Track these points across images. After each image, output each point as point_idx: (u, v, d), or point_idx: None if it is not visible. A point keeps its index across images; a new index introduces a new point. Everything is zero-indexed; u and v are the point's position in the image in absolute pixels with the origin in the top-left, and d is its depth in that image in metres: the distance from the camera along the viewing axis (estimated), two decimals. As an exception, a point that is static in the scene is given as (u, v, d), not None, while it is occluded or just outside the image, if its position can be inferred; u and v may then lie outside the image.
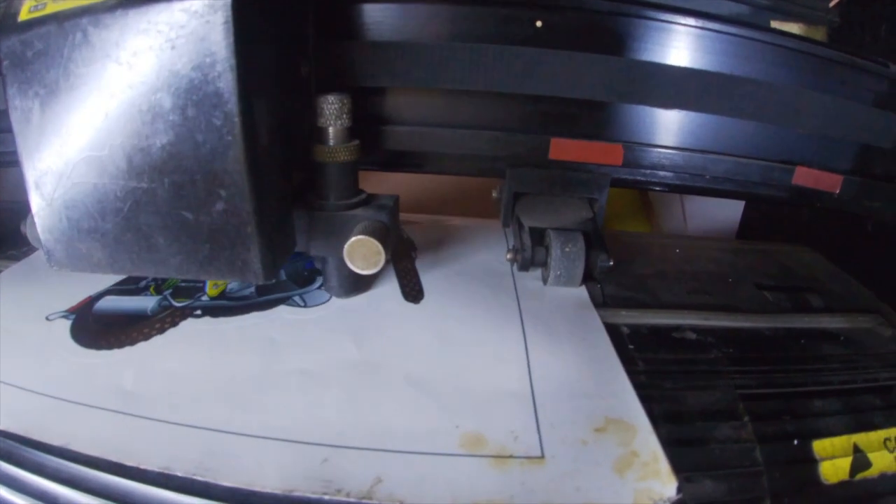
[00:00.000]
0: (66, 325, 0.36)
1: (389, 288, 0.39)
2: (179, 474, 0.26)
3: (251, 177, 0.27)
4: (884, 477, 0.32)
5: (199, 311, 0.37)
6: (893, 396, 0.35)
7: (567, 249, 0.36)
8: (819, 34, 0.47)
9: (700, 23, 0.36)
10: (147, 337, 0.35)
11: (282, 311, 0.37)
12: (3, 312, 0.37)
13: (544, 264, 0.38)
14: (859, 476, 0.31)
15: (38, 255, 0.46)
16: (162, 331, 0.35)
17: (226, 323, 0.36)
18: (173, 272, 0.30)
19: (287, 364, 0.33)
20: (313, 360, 0.33)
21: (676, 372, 0.32)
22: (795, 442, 0.31)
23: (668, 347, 0.34)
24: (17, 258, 0.45)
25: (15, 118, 0.28)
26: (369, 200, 0.35)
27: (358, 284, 0.37)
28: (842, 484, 0.31)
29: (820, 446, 0.32)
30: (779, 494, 0.29)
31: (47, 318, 0.37)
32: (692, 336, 0.35)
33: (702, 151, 0.38)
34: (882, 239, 0.44)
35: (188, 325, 0.36)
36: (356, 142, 0.33)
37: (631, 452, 0.27)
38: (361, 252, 0.31)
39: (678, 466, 0.28)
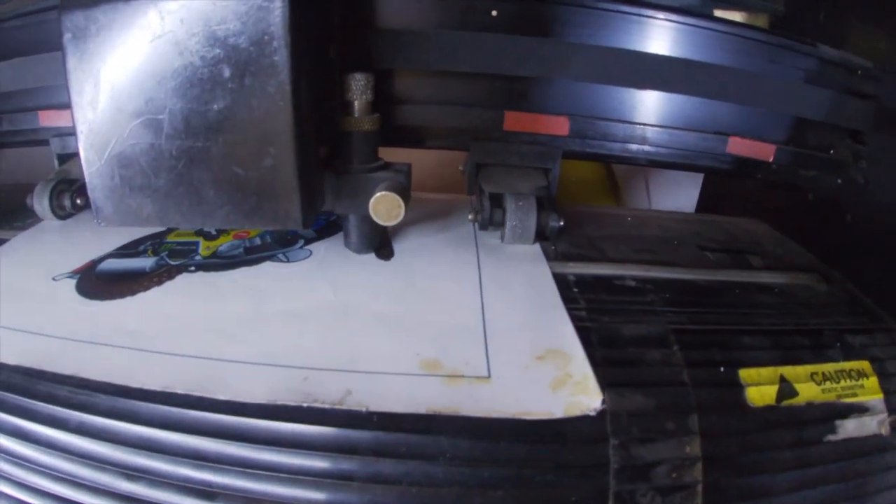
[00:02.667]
0: (72, 283, 0.40)
1: None
2: (179, 391, 0.30)
3: (297, 137, 0.32)
4: (810, 406, 0.35)
5: (193, 268, 0.41)
6: (822, 338, 0.38)
7: (520, 207, 0.40)
8: (761, 21, 0.52)
9: (639, 10, 0.41)
10: (146, 289, 0.39)
11: (267, 266, 0.41)
12: (11, 274, 0.41)
13: (502, 223, 0.42)
14: (786, 403, 0.34)
15: (42, 226, 0.51)
16: (160, 283, 0.39)
17: (217, 276, 0.40)
18: (220, 223, 0.35)
19: (272, 307, 0.37)
20: (295, 303, 0.37)
21: (614, 310, 0.36)
22: (722, 369, 0.34)
23: (608, 291, 0.38)
24: (22, 229, 0.50)
25: (73, 86, 0.32)
26: (387, 166, 0.40)
27: (374, 241, 0.42)
28: (768, 408, 0.34)
29: (746, 374, 0.35)
30: (705, 410, 0.32)
31: (53, 279, 0.40)
32: (632, 283, 0.39)
33: (642, 124, 0.43)
34: (820, 207, 0.48)
35: (183, 278, 0.40)
36: (377, 114, 0.38)
37: (565, 374, 0.32)
38: (384, 205, 0.36)
39: (612, 382, 0.32)
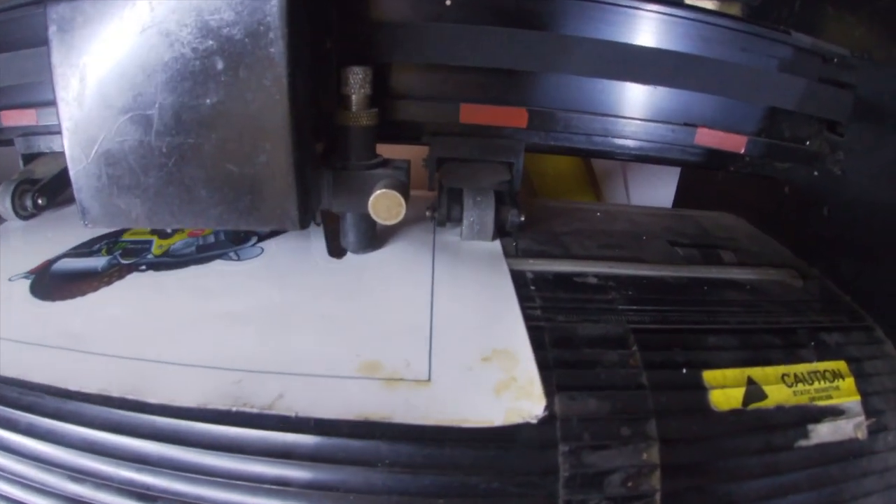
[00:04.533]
0: (26, 283, 0.40)
1: (317, 246, 0.42)
2: (115, 394, 0.30)
3: (293, 133, 0.31)
4: (781, 409, 0.33)
5: (143, 267, 0.41)
6: (795, 337, 0.36)
7: (477, 203, 0.39)
8: (734, 9, 0.51)
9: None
10: (96, 289, 0.38)
11: (217, 264, 0.41)
12: None
13: (460, 220, 0.40)
14: (753, 406, 0.32)
15: (6, 227, 0.51)
16: (109, 283, 0.39)
17: (166, 276, 0.40)
18: (213, 223, 0.33)
19: (215, 307, 0.36)
20: (238, 304, 0.36)
21: (571, 308, 0.34)
22: (684, 370, 0.32)
23: (567, 289, 0.36)
24: None
25: (58, 80, 0.31)
26: (386, 163, 0.38)
27: (372, 241, 0.41)
28: (734, 412, 0.32)
29: (710, 376, 0.33)
30: (665, 415, 0.30)
31: (9, 280, 0.40)
32: (593, 280, 0.37)
33: (606, 115, 0.41)
34: (797, 200, 0.46)
35: (133, 278, 0.40)
36: (376, 109, 0.37)
37: (510, 378, 0.30)
38: (385, 204, 0.35)
39: (564, 385, 0.30)
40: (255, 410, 0.28)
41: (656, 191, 0.61)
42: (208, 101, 0.30)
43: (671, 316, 0.35)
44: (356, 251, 0.40)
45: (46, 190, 0.52)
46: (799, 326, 0.37)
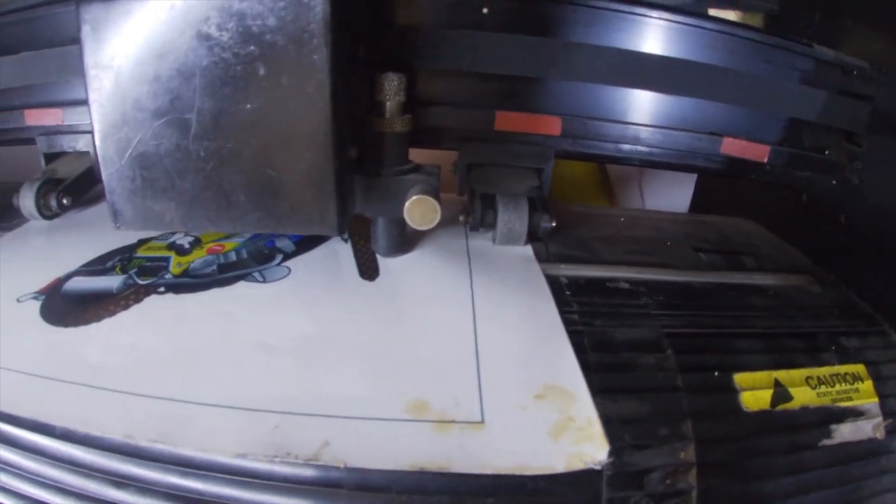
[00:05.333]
0: (36, 305, 0.37)
1: (347, 266, 0.41)
2: (143, 442, 0.27)
3: (335, 139, 0.31)
4: (805, 410, 0.35)
5: (162, 289, 0.38)
6: (817, 342, 0.38)
7: (511, 208, 0.40)
8: (756, 20, 0.52)
9: (633, 9, 0.41)
10: (112, 313, 0.36)
11: (241, 286, 0.38)
12: None
13: (493, 225, 0.41)
14: (780, 407, 0.34)
15: (27, 228, 0.50)
16: (126, 307, 0.37)
17: (187, 298, 0.37)
18: (251, 227, 0.33)
19: (243, 337, 0.34)
20: (268, 333, 0.34)
21: (607, 313, 0.35)
22: (716, 373, 0.34)
23: (601, 294, 0.37)
24: (9, 230, 0.49)
25: (91, 82, 0.31)
26: (418, 168, 0.39)
27: (402, 245, 0.41)
28: (762, 412, 0.33)
29: (740, 378, 0.34)
30: (699, 416, 0.32)
31: (18, 300, 0.38)
32: (625, 286, 0.38)
33: (636, 124, 0.42)
34: (815, 208, 0.48)
35: (151, 301, 0.37)
36: (409, 116, 0.37)
37: (567, 418, 0.28)
38: (420, 209, 0.35)
39: (605, 388, 0.31)
40: (299, 461, 0.26)
41: (671, 196, 0.62)
42: (249, 106, 0.31)
43: (700, 320, 0.36)
44: (386, 255, 0.41)
45: (71, 189, 0.52)
46: (819, 331, 0.38)
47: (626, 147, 0.43)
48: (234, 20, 0.29)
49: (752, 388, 0.34)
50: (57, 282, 0.40)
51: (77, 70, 0.47)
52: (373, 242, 0.41)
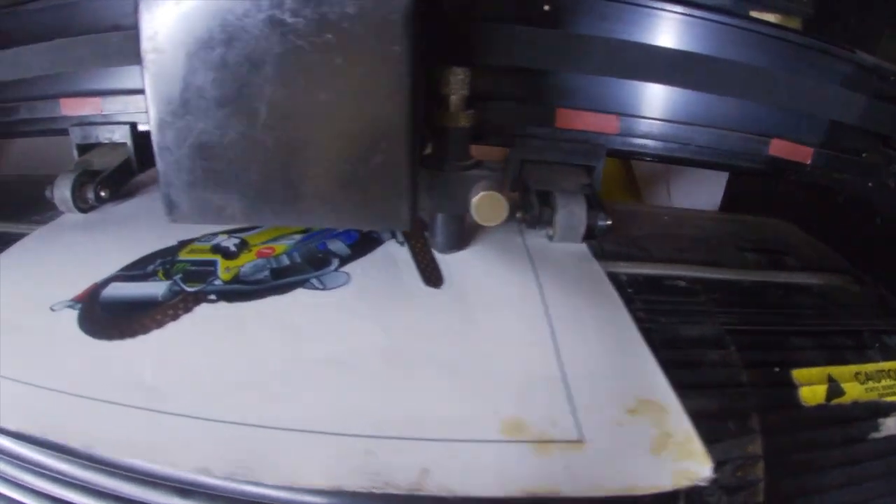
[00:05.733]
0: (73, 315, 0.34)
1: (408, 272, 0.39)
2: (219, 477, 0.24)
3: (411, 133, 0.30)
4: (856, 404, 0.36)
5: (213, 296, 0.35)
6: (862, 339, 0.39)
7: (570, 205, 0.40)
8: (794, 23, 0.53)
9: (687, 10, 0.41)
10: (160, 324, 0.33)
11: (300, 294, 0.36)
12: (4, 303, 0.35)
13: (550, 222, 0.41)
14: (834, 401, 0.35)
15: (61, 221, 0.48)
16: (176, 317, 0.34)
17: (243, 308, 0.34)
18: (318, 221, 0.32)
19: (314, 351, 0.31)
20: (340, 347, 0.32)
21: (670, 311, 0.36)
22: (777, 369, 0.35)
23: (661, 291, 0.38)
24: (41, 222, 0.48)
25: (148, 67, 0.29)
26: (479, 164, 0.38)
27: (460, 241, 0.40)
28: (819, 406, 0.35)
29: (799, 374, 0.35)
30: (763, 411, 0.33)
31: (52, 309, 0.35)
32: (682, 284, 0.39)
33: (687, 123, 0.43)
34: (850, 209, 0.49)
35: (203, 310, 0.34)
36: (473, 110, 0.37)
37: (664, 433, 0.28)
38: (488, 205, 0.34)
39: (676, 384, 0.32)
40: (401, 492, 0.24)
41: (698, 195, 0.64)
42: (324, 96, 0.29)
43: (755, 318, 0.38)
44: (444, 251, 0.40)
45: (109, 181, 0.50)
46: (864, 329, 0.40)
47: (676, 146, 0.44)
48: (311, 6, 0.28)
49: (809, 384, 0.35)
50: (94, 288, 0.36)
51: (116, 58, 0.46)
52: (429, 238, 0.41)
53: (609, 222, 0.41)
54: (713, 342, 0.34)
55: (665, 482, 0.26)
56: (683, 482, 0.26)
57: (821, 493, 0.33)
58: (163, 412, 0.27)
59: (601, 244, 0.42)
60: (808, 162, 0.45)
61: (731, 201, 0.63)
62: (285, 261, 0.39)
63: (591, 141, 0.43)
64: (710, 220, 0.51)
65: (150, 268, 0.39)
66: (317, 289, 0.36)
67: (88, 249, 0.42)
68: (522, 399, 0.28)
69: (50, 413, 0.27)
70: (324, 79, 0.29)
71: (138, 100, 0.48)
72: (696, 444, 0.27)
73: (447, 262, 0.40)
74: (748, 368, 0.34)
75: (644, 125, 0.43)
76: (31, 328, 0.33)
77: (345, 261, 0.39)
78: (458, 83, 0.36)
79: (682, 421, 0.28)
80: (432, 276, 0.38)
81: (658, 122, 0.43)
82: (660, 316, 0.35)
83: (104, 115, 0.50)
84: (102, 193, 0.49)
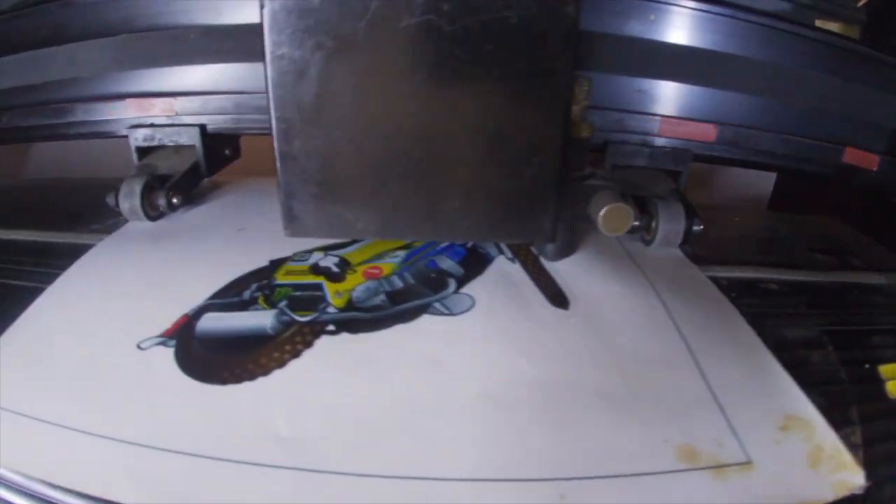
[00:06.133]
0: (168, 354, 0.30)
1: (530, 292, 0.37)
2: None
3: (564, 144, 0.30)
4: (931, 398, 0.40)
5: (331, 327, 0.32)
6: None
7: (671, 211, 0.42)
8: (854, 32, 0.55)
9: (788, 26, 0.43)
10: (281, 363, 0.29)
11: (427, 321, 0.33)
12: (79, 337, 0.31)
13: (647, 228, 0.43)
14: (916, 395, 0.39)
15: (126, 232, 0.45)
16: (296, 353, 0.30)
17: (369, 339, 0.31)
18: (457, 236, 0.32)
19: (464, 388, 0.29)
20: (489, 380, 0.29)
21: (771, 314, 0.39)
22: (867, 366, 0.38)
23: (758, 295, 0.41)
24: (101, 231, 0.46)
25: (273, 68, 0.27)
26: (594, 174, 0.38)
27: (571, 249, 0.41)
28: (904, 399, 0.38)
29: (884, 370, 0.39)
30: (859, 403, 0.36)
31: (139, 347, 0.30)
32: (774, 287, 0.42)
33: (774, 132, 0.45)
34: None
35: (325, 344, 0.31)
36: (592, 121, 0.36)
37: (816, 447, 0.28)
38: (615, 216, 0.35)
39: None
40: None
41: (742, 194, 0.67)
42: (477, 108, 0.29)
43: (840, 318, 0.41)
44: (553, 259, 0.41)
45: (180, 187, 0.48)
46: (930, 326, 0.44)
47: (760, 153, 0.46)
48: (471, 15, 0.27)
49: (894, 378, 0.39)
50: (186, 321, 0.32)
51: (194, 56, 0.45)
52: (538, 248, 0.42)
53: (702, 227, 0.43)
54: (814, 343, 0.37)
55: (827, 495, 0.26)
56: (842, 492, 0.27)
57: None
58: (310, 470, 0.23)
59: (693, 249, 0.45)
60: (875, 168, 0.48)
61: (780, 199, 0.67)
62: (398, 283, 0.36)
63: (680, 147, 0.45)
64: (773, 220, 0.54)
65: (247, 294, 0.35)
66: (442, 314, 0.34)
67: (167, 270, 0.39)
68: (685, 424, 0.28)
69: (173, 481, 0.22)
70: (479, 89, 0.28)
71: (212, 101, 0.47)
72: (847, 456, 0.28)
73: (560, 275, 0.39)
74: (845, 366, 0.37)
75: (735, 133, 0.45)
76: (122, 371, 0.28)
77: (461, 281, 0.37)
78: (582, 94, 0.36)
79: (829, 433, 0.29)
80: (556, 295, 0.36)
81: (747, 130, 0.45)
82: (764, 319, 0.38)
83: (172, 117, 0.49)
84: (174, 200, 0.47)
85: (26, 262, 0.43)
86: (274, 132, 0.29)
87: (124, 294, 0.36)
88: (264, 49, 0.28)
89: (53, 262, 0.42)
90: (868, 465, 0.35)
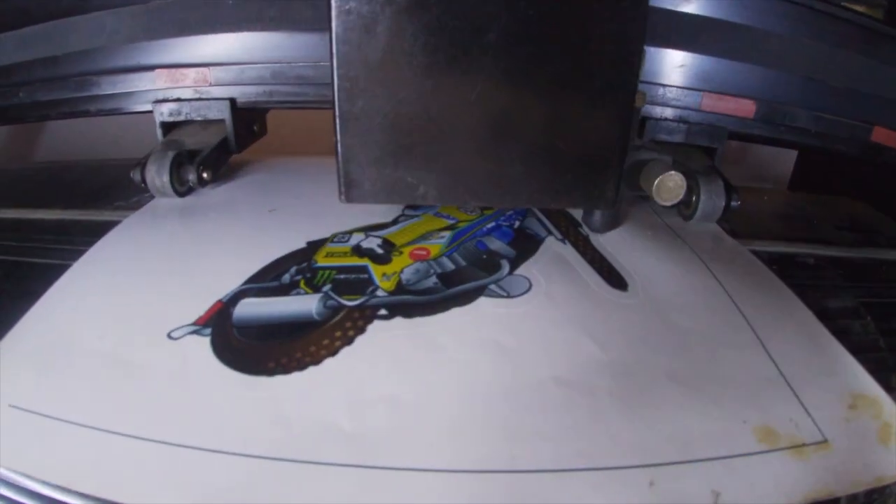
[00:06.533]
0: (203, 343, 0.28)
1: (586, 273, 0.36)
2: None
3: (630, 111, 0.30)
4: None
5: (383, 311, 0.30)
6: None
7: (712, 187, 0.42)
8: (877, 13, 0.56)
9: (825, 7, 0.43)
10: (332, 351, 0.27)
11: (485, 304, 0.32)
12: (104, 325, 0.29)
13: (687, 203, 0.44)
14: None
15: (154, 208, 0.44)
16: (349, 341, 0.28)
17: (426, 324, 0.30)
18: (521, 201, 0.31)
19: (534, 373, 0.28)
20: (558, 365, 0.28)
21: (812, 286, 0.40)
22: (901, 336, 0.40)
23: (799, 269, 0.41)
24: (126, 208, 0.44)
25: (341, 22, 0.27)
26: (642, 146, 0.38)
27: (616, 221, 0.41)
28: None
29: (917, 341, 0.40)
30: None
31: (170, 336, 0.28)
32: (811, 261, 0.43)
33: (814, 109, 0.46)
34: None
35: (379, 329, 0.29)
36: (643, 91, 0.36)
37: (885, 424, 0.28)
38: (669, 186, 0.35)
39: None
40: None
41: (763, 173, 0.68)
42: (550, 70, 0.28)
43: (874, 291, 0.42)
44: (599, 231, 0.41)
45: (209, 161, 0.46)
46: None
47: (793, 130, 0.47)
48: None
49: (927, 348, 0.40)
50: (220, 306, 0.30)
51: (229, 24, 0.43)
52: (584, 218, 0.42)
53: (739, 202, 0.44)
54: (853, 313, 0.38)
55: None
56: None
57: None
58: (380, 468, 0.21)
59: (731, 224, 0.45)
60: (899, 147, 0.50)
61: (800, 180, 0.68)
62: (449, 264, 0.35)
63: (718, 124, 0.45)
64: (801, 200, 0.55)
65: (287, 277, 0.33)
66: (500, 296, 0.32)
67: (196, 251, 0.37)
68: (760, 405, 0.28)
69: (223, 485, 0.20)
70: (553, 51, 0.28)
71: (249, 70, 0.46)
72: None
73: (611, 254, 0.38)
74: (884, 335, 0.38)
75: (772, 110, 0.45)
76: (154, 364, 0.26)
77: (514, 262, 0.36)
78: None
79: (895, 410, 0.29)
80: (613, 276, 0.36)
81: (784, 107, 0.45)
82: (808, 290, 0.39)
83: (200, 91, 0.47)
84: (205, 175, 0.45)
85: (49, 241, 0.42)
86: (336, 92, 0.28)
87: (151, 276, 0.34)
88: (330, 3, 0.27)
89: (77, 238, 0.41)
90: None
